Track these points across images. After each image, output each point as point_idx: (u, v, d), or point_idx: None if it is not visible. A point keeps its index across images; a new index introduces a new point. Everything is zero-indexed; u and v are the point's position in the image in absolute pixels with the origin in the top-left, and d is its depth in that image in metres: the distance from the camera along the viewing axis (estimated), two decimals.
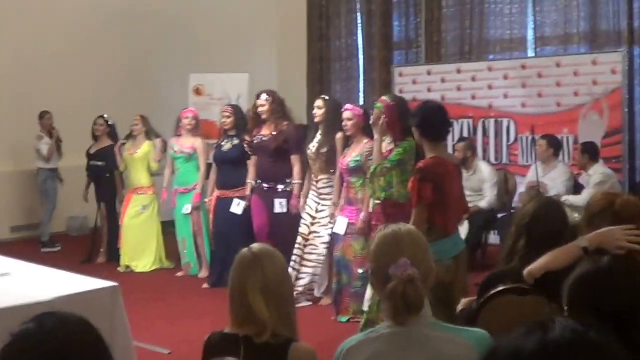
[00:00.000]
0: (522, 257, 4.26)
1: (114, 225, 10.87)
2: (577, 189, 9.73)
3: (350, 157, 7.88)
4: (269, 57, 15.40)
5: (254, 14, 15.19)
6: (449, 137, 11.68)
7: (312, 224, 8.48)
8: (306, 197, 8.65)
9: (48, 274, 5.85)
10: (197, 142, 10.10)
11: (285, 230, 8.65)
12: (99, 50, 13.62)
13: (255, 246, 3.38)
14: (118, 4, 13.76)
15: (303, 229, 8.50)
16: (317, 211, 8.48)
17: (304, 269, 8.47)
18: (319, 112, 8.37)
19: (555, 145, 9.94)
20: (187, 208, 10.01)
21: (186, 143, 10.11)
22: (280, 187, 8.89)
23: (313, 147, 8.41)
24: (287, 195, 8.85)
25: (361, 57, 14.62)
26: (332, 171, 8.37)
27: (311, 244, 8.48)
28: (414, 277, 2.93)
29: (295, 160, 8.82)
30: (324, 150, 8.31)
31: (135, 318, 6.05)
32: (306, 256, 8.47)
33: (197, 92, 13.15)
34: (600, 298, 2.71)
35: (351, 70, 14.74)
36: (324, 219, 8.44)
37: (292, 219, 8.69)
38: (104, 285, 5.32)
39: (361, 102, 14.25)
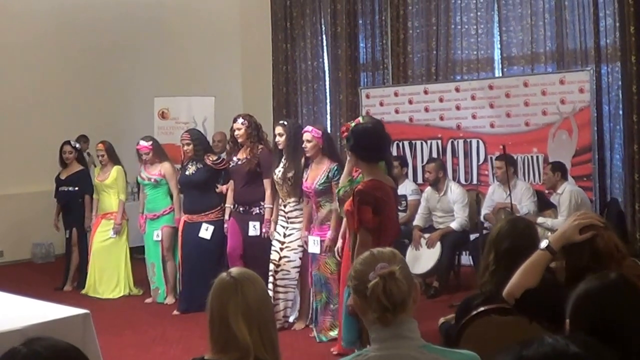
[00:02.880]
0: (492, 272, 4.35)
1: (85, 252, 10.69)
2: (543, 206, 9.77)
3: (316, 180, 7.90)
4: (235, 80, 15.36)
5: (219, 36, 15.14)
6: (419, 158, 11.81)
7: (282, 249, 8.42)
8: (276, 222, 8.62)
9: (19, 302, 5.79)
10: (165, 167, 9.96)
11: (257, 253, 8.63)
12: (64, 75, 13.51)
13: (234, 270, 3.29)
14: (82, 30, 13.65)
15: (274, 256, 8.44)
16: (285, 236, 8.44)
17: (278, 295, 8.36)
18: (281, 139, 8.40)
19: (513, 164, 10.06)
20: (158, 234, 9.86)
21: (153, 169, 9.97)
22: (255, 210, 8.87)
23: (279, 171, 8.41)
24: (262, 218, 8.82)
25: (327, 79, 14.56)
26: (299, 195, 8.36)
27: (282, 269, 8.40)
28: (394, 272, 2.89)
29: (267, 184, 8.78)
30: (290, 174, 8.31)
31: (106, 346, 5.95)
32: (279, 282, 8.38)
33: (162, 115, 13.06)
34: (604, 314, 2.67)
35: (317, 93, 14.66)
36: (293, 243, 8.40)
37: (264, 242, 8.64)
38: (75, 312, 5.23)
39: (328, 125, 14.21)
